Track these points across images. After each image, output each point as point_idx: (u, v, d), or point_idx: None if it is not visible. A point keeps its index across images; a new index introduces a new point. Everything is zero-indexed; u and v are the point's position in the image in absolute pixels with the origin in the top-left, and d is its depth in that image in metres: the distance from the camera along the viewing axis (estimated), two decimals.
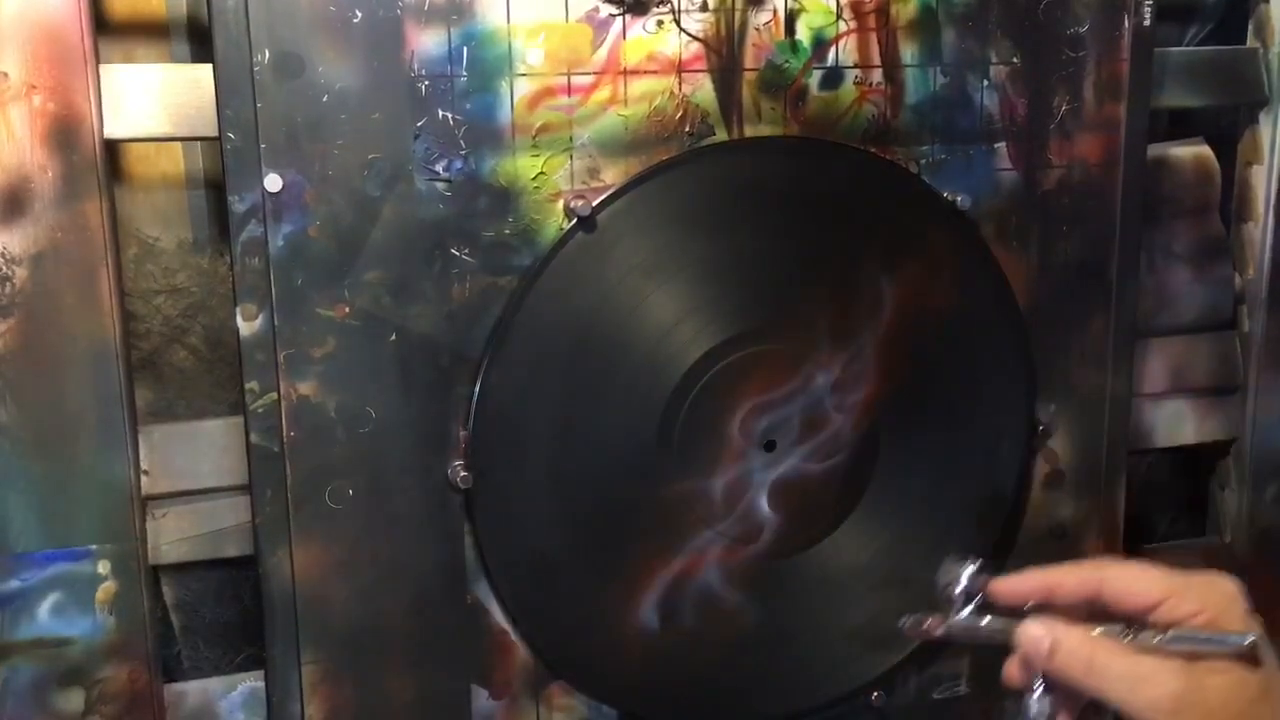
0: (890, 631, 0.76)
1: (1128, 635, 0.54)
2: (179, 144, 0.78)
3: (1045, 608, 0.57)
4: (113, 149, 0.70)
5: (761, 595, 0.73)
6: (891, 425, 0.73)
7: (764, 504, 0.71)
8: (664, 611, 0.71)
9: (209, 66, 0.61)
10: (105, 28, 0.74)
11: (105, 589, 0.67)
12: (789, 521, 0.72)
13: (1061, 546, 0.81)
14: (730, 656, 0.73)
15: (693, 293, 0.68)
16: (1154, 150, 0.84)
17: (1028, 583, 0.58)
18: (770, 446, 0.70)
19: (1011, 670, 0.58)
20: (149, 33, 0.76)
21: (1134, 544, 0.89)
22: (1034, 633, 0.56)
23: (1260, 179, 0.88)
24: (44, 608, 0.66)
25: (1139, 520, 0.93)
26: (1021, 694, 0.58)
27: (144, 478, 0.68)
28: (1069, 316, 0.78)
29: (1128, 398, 0.81)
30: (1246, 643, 0.52)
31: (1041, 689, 0.57)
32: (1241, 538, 0.92)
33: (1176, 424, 0.91)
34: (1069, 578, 0.57)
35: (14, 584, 0.65)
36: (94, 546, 0.66)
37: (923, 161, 0.73)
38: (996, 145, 0.74)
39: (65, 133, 0.62)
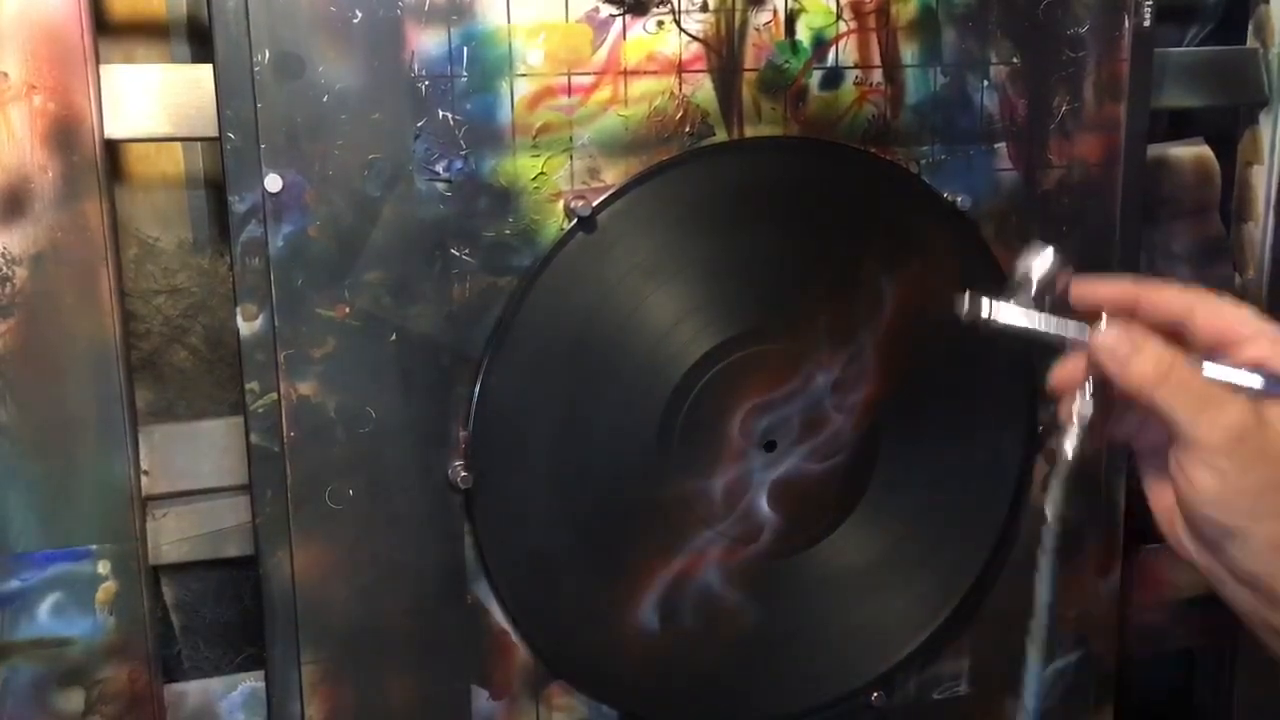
0: (890, 631, 0.77)
1: (1206, 363, 0.52)
2: (179, 144, 0.78)
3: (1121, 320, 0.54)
4: (113, 149, 0.70)
5: (761, 595, 0.73)
6: (891, 425, 0.73)
7: (764, 504, 0.71)
8: (664, 611, 0.71)
9: (209, 66, 0.61)
10: (105, 28, 0.74)
11: (105, 589, 0.67)
12: (789, 521, 0.72)
13: (1061, 547, 0.81)
14: (730, 656, 0.73)
15: (693, 293, 0.68)
16: (1154, 150, 0.84)
17: (1115, 287, 0.55)
18: (770, 446, 0.70)
19: (1062, 373, 0.56)
20: (149, 33, 0.76)
21: (1134, 544, 0.89)
22: (1116, 335, 0.53)
23: (1260, 179, 0.88)
24: (44, 608, 0.66)
25: (1139, 520, 0.93)
26: (1060, 399, 0.55)
27: (144, 478, 0.68)
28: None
29: None
30: None
31: (1090, 391, 0.54)
32: None
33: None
34: (1161, 293, 0.55)
35: (14, 584, 0.65)
36: (94, 546, 0.66)
37: (923, 162, 0.73)
38: (996, 145, 0.74)
39: (65, 133, 0.62)
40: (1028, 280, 0.55)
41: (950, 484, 0.76)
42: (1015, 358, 0.77)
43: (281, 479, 0.65)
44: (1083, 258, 0.77)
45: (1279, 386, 0.51)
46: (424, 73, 0.63)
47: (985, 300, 0.55)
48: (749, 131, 0.69)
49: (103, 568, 0.66)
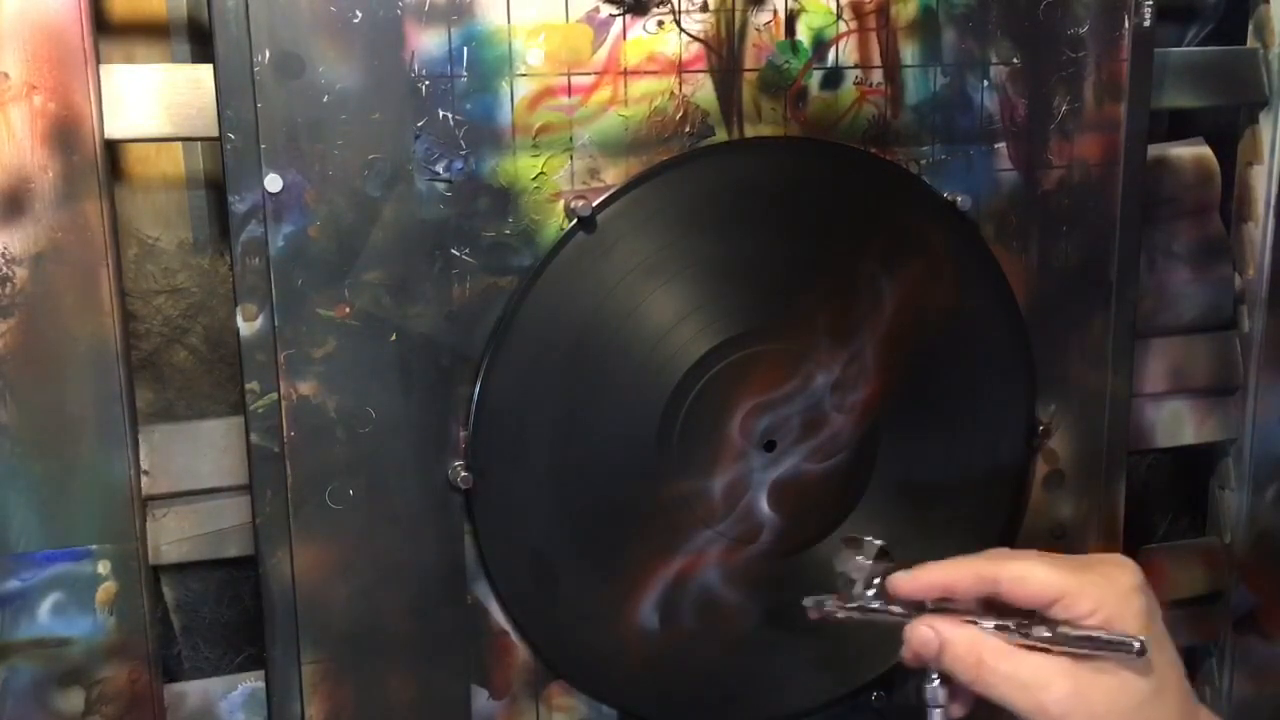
0: (891, 631, 0.77)
1: (1022, 629, 0.54)
2: (179, 144, 0.78)
3: (945, 601, 0.57)
4: (113, 149, 0.70)
5: (761, 595, 0.73)
6: (891, 425, 0.73)
7: (764, 504, 0.71)
8: (664, 611, 0.71)
9: (209, 67, 0.61)
10: (105, 28, 0.74)
11: (105, 589, 0.67)
12: (789, 521, 0.72)
13: (1061, 546, 0.81)
14: (730, 656, 0.73)
15: (693, 293, 0.68)
16: (1154, 150, 0.84)
17: (925, 580, 0.58)
18: (770, 446, 0.70)
19: (906, 653, 0.58)
20: (149, 33, 0.76)
21: (1134, 544, 0.89)
22: (922, 634, 0.56)
23: (1260, 179, 0.88)
24: (44, 608, 0.66)
25: (1139, 520, 0.93)
26: (920, 677, 0.58)
27: (144, 478, 0.68)
28: (1069, 316, 0.78)
29: (1128, 398, 0.81)
30: (1136, 646, 0.52)
31: (937, 678, 0.57)
32: (1241, 538, 0.92)
33: (1176, 424, 0.90)
34: (965, 575, 0.56)
35: (14, 584, 0.65)
36: (94, 546, 0.66)
37: (923, 162, 0.73)
38: (996, 145, 0.74)
39: (65, 133, 0.62)
40: (847, 578, 0.59)
41: (950, 484, 0.76)
42: (1015, 358, 0.77)
43: (281, 479, 0.65)
44: (1083, 258, 0.78)
45: (1133, 644, 0.52)
46: (424, 73, 0.63)
47: (822, 601, 0.60)
48: (749, 131, 0.69)
49: (103, 568, 0.66)
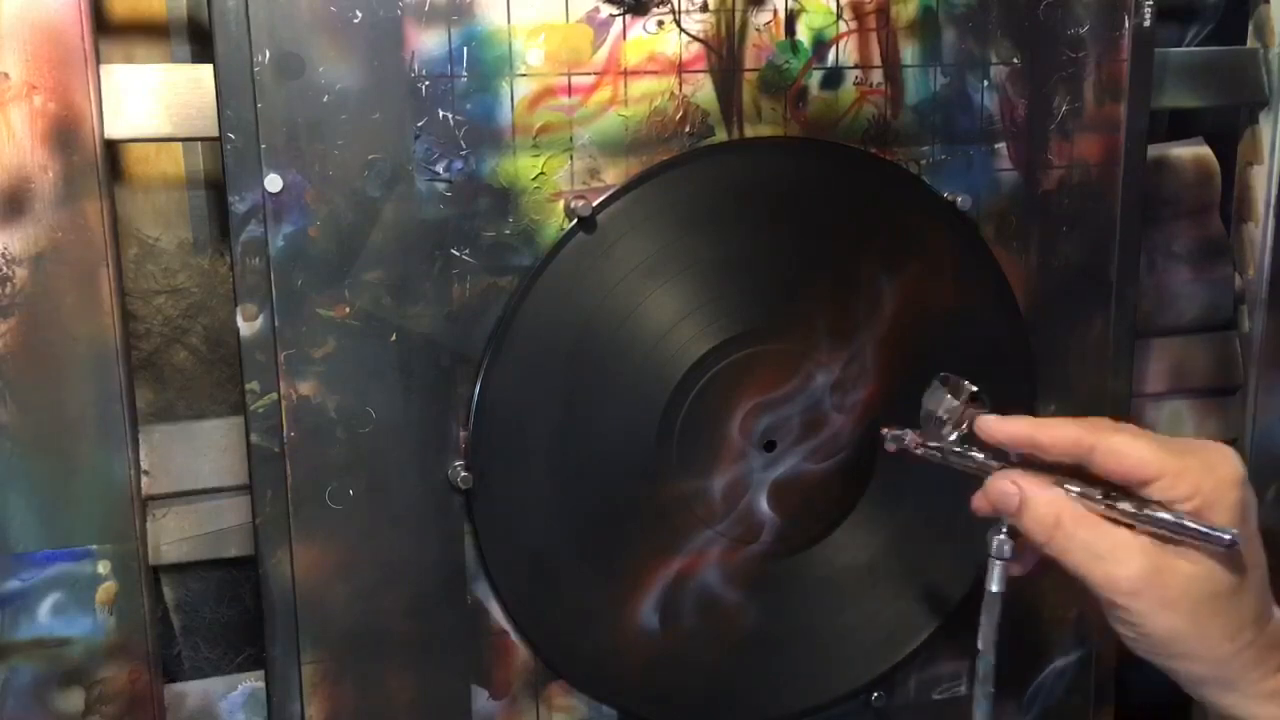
0: (891, 631, 0.77)
1: (1108, 500, 0.52)
2: (179, 144, 0.78)
3: (1031, 456, 0.55)
4: (113, 149, 0.70)
5: (761, 595, 0.73)
6: (891, 425, 0.73)
7: (764, 504, 0.71)
8: (664, 611, 0.71)
9: (209, 67, 0.61)
10: (105, 28, 0.74)
11: (105, 589, 0.67)
12: (789, 521, 0.72)
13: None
14: (730, 656, 0.73)
15: (693, 293, 0.68)
16: (1154, 150, 0.84)
17: (1015, 430, 0.56)
18: (770, 446, 0.70)
19: (980, 502, 0.56)
20: (149, 33, 0.76)
21: None
22: (1003, 486, 0.54)
23: (1260, 179, 0.88)
24: (44, 608, 0.66)
25: None
26: (988, 525, 0.57)
27: (144, 478, 0.68)
28: (1069, 316, 0.78)
29: (1128, 398, 0.81)
30: (1226, 540, 0.50)
31: (1005, 531, 0.55)
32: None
33: (1176, 424, 0.90)
34: (1060, 437, 0.54)
35: (14, 584, 0.65)
36: (94, 546, 0.66)
37: (923, 162, 0.73)
38: (996, 145, 0.74)
39: (65, 133, 0.62)
40: (933, 417, 0.57)
41: (950, 484, 0.76)
42: (1015, 358, 0.77)
43: (281, 479, 0.65)
44: (1083, 258, 0.78)
45: (1223, 538, 0.50)
46: (424, 73, 0.63)
47: (902, 435, 0.59)
48: (749, 131, 0.69)
49: (103, 568, 0.66)
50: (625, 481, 0.69)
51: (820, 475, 0.71)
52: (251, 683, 0.72)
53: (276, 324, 0.63)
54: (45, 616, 0.66)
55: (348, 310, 0.64)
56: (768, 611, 0.73)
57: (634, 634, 0.71)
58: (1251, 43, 0.88)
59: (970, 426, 0.57)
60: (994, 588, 0.56)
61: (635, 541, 0.70)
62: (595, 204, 0.66)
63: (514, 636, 0.70)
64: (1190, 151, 0.89)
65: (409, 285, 0.65)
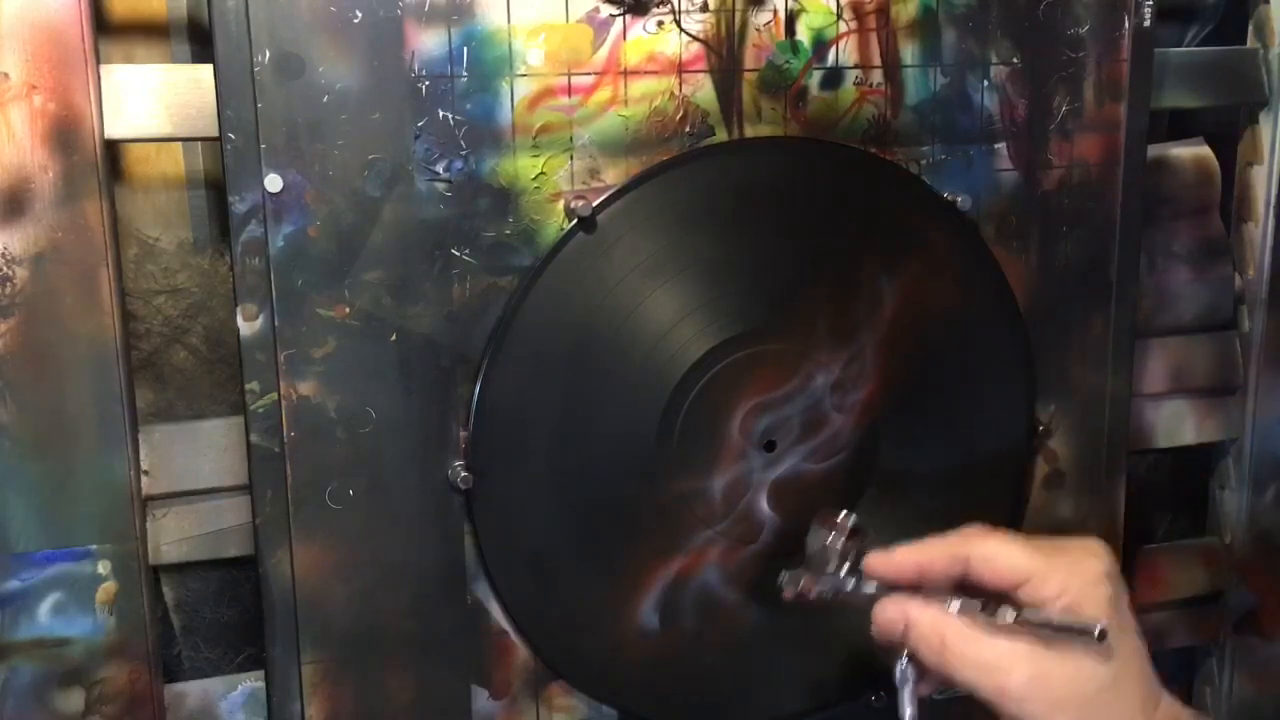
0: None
1: (988, 610, 0.54)
2: (179, 144, 0.78)
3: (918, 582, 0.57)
4: (113, 149, 0.70)
5: (762, 595, 0.73)
6: (891, 425, 0.73)
7: (764, 504, 0.71)
8: (664, 611, 0.71)
9: (209, 67, 0.61)
10: (105, 28, 0.74)
11: (105, 589, 0.67)
12: (789, 521, 0.71)
13: None
14: (730, 656, 0.73)
15: (693, 293, 0.68)
16: (1154, 150, 0.84)
17: (900, 560, 0.58)
18: (770, 446, 0.70)
19: (875, 635, 0.58)
20: (149, 33, 0.76)
21: (1134, 544, 0.89)
22: (889, 614, 0.57)
23: (1260, 179, 0.88)
24: (44, 608, 0.66)
25: (1139, 520, 0.93)
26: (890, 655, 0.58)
27: (144, 478, 0.68)
28: (1069, 316, 0.78)
29: (1128, 398, 0.81)
30: (1096, 631, 0.51)
31: (907, 657, 0.57)
32: (1241, 538, 0.92)
33: (1176, 424, 0.91)
34: (940, 555, 0.57)
35: (14, 584, 0.65)
36: (94, 546, 0.66)
37: (923, 162, 0.73)
38: (996, 145, 0.74)
39: (65, 133, 0.62)
40: (819, 556, 0.60)
41: (950, 484, 0.76)
42: (1015, 358, 0.77)
43: (281, 479, 0.65)
44: (1083, 258, 0.78)
45: (1093, 629, 0.52)
46: (424, 73, 0.63)
47: (796, 577, 0.60)
48: (749, 131, 0.69)
49: (103, 568, 0.66)
50: (625, 481, 0.69)
51: (820, 475, 0.71)
52: (251, 683, 0.72)
53: (276, 324, 0.63)
54: (45, 616, 0.66)
55: (348, 310, 0.64)
56: (768, 611, 0.73)
57: (634, 634, 0.71)
58: (1251, 43, 0.88)
59: (857, 558, 0.59)
60: (907, 712, 0.58)
61: (635, 541, 0.70)
62: (595, 204, 0.66)
63: (514, 636, 0.70)
64: (1190, 151, 0.89)
65: (409, 285, 0.65)
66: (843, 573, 0.59)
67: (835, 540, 0.59)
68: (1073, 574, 0.54)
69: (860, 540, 0.59)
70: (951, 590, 0.57)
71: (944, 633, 0.54)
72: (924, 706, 0.58)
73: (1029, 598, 0.54)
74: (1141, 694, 0.55)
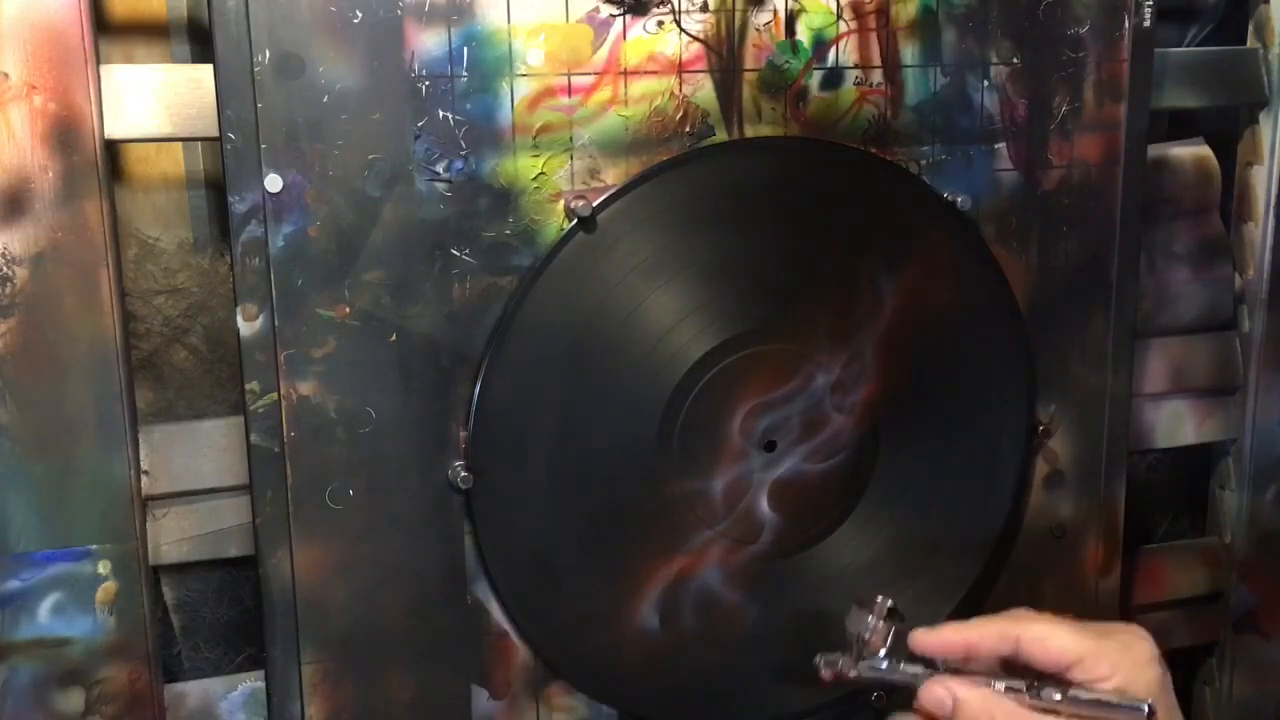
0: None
1: (1033, 691, 0.55)
2: (179, 144, 0.78)
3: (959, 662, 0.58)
4: (113, 149, 0.70)
5: (761, 595, 0.73)
6: (891, 425, 0.73)
7: (764, 504, 0.71)
8: (664, 611, 0.71)
9: (209, 67, 0.61)
10: (105, 28, 0.74)
11: (105, 589, 0.67)
12: (789, 521, 0.72)
13: (1061, 546, 0.81)
14: (730, 656, 0.73)
15: (693, 293, 0.68)
16: (1154, 150, 0.84)
17: (946, 639, 0.59)
18: (770, 447, 0.70)
19: (920, 715, 0.59)
20: (149, 33, 0.77)
21: (1134, 544, 0.89)
22: (936, 694, 0.57)
23: (1260, 179, 0.88)
24: (44, 608, 0.66)
25: (1139, 520, 0.93)
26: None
27: (144, 478, 0.68)
28: (1069, 316, 0.78)
29: (1128, 398, 0.81)
30: (1145, 710, 0.53)
31: None
32: (1241, 538, 0.92)
33: (1176, 424, 0.91)
34: (987, 635, 0.58)
35: (14, 584, 0.65)
36: (94, 546, 0.66)
37: (923, 162, 0.73)
38: (996, 145, 0.74)
39: (65, 133, 0.62)
40: (859, 639, 0.60)
41: (950, 484, 0.76)
42: (1015, 358, 0.77)
43: (281, 479, 0.65)
44: (1083, 258, 0.78)
45: (1142, 709, 0.53)
46: (424, 73, 0.63)
47: (835, 660, 0.61)
48: (749, 131, 0.69)
49: (103, 568, 0.66)
50: (625, 481, 0.69)
51: (820, 475, 0.71)
52: (251, 683, 0.72)
53: (276, 324, 0.63)
54: (45, 616, 0.66)
55: (348, 310, 0.64)
56: (768, 611, 0.73)
57: (634, 634, 0.71)
58: (1251, 43, 0.88)
59: (894, 640, 0.60)
60: None
61: (635, 541, 0.70)
62: (595, 204, 0.66)
63: (514, 637, 0.70)
64: (1190, 151, 0.89)
65: (409, 285, 0.65)
66: (882, 653, 0.60)
67: (875, 622, 0.60)
68: (1124, 656, 0.55)
69: (898, 622, 0.60)
70: (992, 672, 0.57)
71: (994, 713, 0.55)
72: None
73: (1080, 678, 0.55)
74: None
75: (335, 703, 0.68)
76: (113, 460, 0.66)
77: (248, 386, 0.63)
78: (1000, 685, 0.56)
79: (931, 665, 0.59)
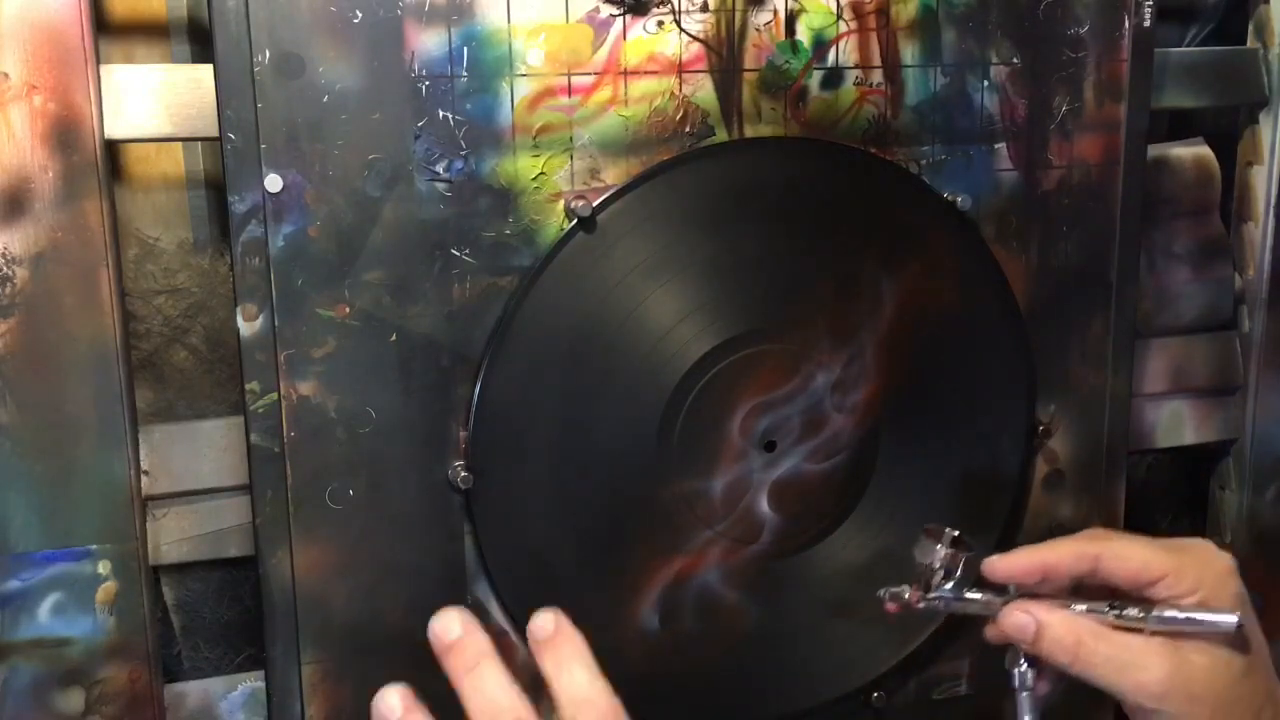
0: (891, 631, 0.77)
1: (1112, 611, 0.54)
2: (179, 144, 0.78)
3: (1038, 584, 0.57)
4: (113, 149, 0.70)
5: (761, 595, 0.73)
6: (892, 425, 0.73)
7: (764, 504, 0.71)
8: (664, 611, 0.71)
9: (209, 67, 0.61)
10: (105, 28, 0.74)
11: (105, 589, 0.67)
12: (789, 521, 0.72)
13: None
14: (730, 656, 0.73)
15: (693, 293, 0.68)
16: (1154, 150, 0.84)
17: (1022, 562, 0.58)
18: (770, 447, 0.70)
19: (994, 634, 0.58)
20: (149, 33, 0.76)
21: None
22: (1019, 619, 0.56)
23: (1260, 179, 0.88)
24: (44, 608, 0.66)
25: (1139, 520, 0.93)
26: (1005, 655, 0.58)
27: (144, 478, 0.68)
28: (1069, 316, 0.78)
29: (1128, 398, 0.81)
30: (1234, 625, 0.52)
31: (1025, 662, 0.58)
32: (1241, 538, 0.92)
33: (1176, 424, 0.91)
34: (1064, 556, 0.57)
35: (14, 584, 0.65)
36: (94, 546, 0.66)
37: (923, 162, 0.73)
38: (996, 145, 0.74)
39: (65, 133, 0.62)
40: (927, 568, 0.59)
41: (950, 484, 0.76)
42: (1015, 358, 0.77)
43: (281, 479, 0.65)
44: (1083, 258, 0.78)
45: (1231, 622, 0.53)
46: (424, 73, 0.63)
47: (900, 592, 0.60)
48: (749, 131, 0.69)
49: (103, 568, 0.66)
50: (625, 481, 0.69)
51: (820, 475, 0.71)
52: (251, 683, 0.72)
53: (276, 324, 0.63)
54: (45, 616, 0.66)
55: (348, 310, 0.64)
56: (768, 611, 0.73)
57: (634, 634, 0.71)
58: (1251, 43, 0.88)
59: (961, 570, 0.59)
60: (1025, 718, 0.59)
61: (635, 541, 0.70)
62: (595, 204, 0.66)
63: (514, 637, 0.70)
64: (1190, 151, 0.89)
65: (409, 285, 0.65)
66: (948, 585, 0.59)
67: (943, 550, 0.59)
68: (1205, 570, 0.55)
69: (965, 551, 0.59)
70: (1066, 596, 0.57)
71: (1079, 633, 0.54)
72: (1041, 711, 0.58)
73: (1162, 595, 0.54)
74: (1268, 685, 0.56)
75: (335, 703, 0.68)
76: (113, 460, 0.66)
77: (248, 386, 0.63)
78: (1081, 607, 0.55)
79: (1003, 592, 0.58)
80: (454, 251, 0.65)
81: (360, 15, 0.61)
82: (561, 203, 0.66)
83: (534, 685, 0.72)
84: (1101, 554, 0.56)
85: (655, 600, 0.70)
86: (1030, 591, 0.58)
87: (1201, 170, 0.89)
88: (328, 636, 0.67)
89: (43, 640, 0.66)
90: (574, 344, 0.67)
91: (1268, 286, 0.89)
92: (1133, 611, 0.54)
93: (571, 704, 0.48)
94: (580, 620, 0.71)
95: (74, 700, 0.67)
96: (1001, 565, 0.58)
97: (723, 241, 0.69)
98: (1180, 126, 0.92)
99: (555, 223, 0.66)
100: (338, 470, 0.66)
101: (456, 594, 0.69)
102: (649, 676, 0.72)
